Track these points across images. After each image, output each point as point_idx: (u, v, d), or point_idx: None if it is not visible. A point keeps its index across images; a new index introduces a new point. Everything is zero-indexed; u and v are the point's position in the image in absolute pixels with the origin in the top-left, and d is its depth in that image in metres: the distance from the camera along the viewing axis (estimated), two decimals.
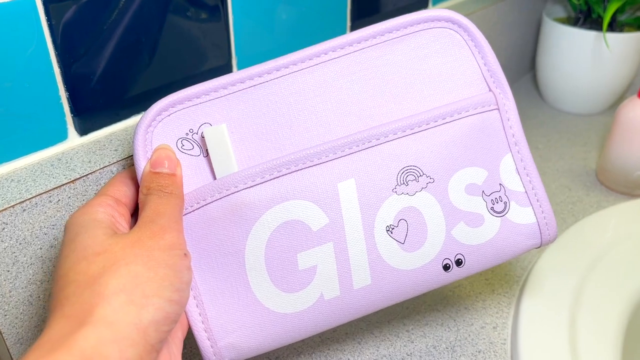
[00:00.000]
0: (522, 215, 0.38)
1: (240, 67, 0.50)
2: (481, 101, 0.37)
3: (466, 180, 0.37)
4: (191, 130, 0.36)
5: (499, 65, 0.38)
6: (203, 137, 0.36)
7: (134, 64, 0.42)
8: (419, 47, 0.37)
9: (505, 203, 0.38)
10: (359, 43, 0.36)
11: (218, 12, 0.46)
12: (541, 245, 0.39)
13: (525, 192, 0.38)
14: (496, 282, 0.50)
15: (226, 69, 0.49)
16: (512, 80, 0.86)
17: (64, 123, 0.40)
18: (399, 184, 0.36)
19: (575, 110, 0.79)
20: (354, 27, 0.59)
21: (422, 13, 0.37)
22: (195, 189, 0.35)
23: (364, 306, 0.37)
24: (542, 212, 0.38)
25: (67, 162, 0.39)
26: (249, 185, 0.35)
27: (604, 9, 0.71)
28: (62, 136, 0.40)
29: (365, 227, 0.36)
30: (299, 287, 0.36)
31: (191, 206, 0.35)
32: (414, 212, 0.36)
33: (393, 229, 0.36)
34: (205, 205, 0.35)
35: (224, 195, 0.35)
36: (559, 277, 0.49)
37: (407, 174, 0.36)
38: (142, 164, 0.35)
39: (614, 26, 0.73)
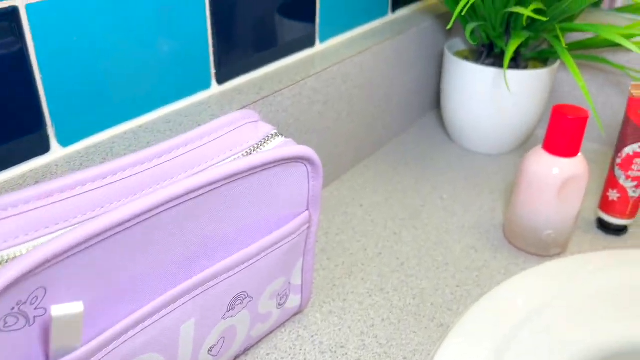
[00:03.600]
0: (294, 301, 0.44)
1: (59, 138, 0.40)
2: (301, 223, 0.40)
3: (272, 289, 0.41)
4: (19, 302, 0.26)
5: (321, 189, 0.40)
6: (43, 314, 0.27)
7: None
8: (273, 178, 0.36)
9: (287, 296, 0.43)
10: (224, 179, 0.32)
11: (18, 64, 0.36)
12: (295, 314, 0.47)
13: (301, 284, 0.44)
14: None
15: (40, 137, 0.38)
16: (416, 118, 0.79)
17: None
18: (228, 310, 0.38)
19: (483, 150, 0.72)
20: (219, 72, 0.50)
21: (288, 150, 0.36)
22: None
23: None
24: (304, 297, 0.45)
25: None
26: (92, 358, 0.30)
27: (507, 44, 0.65)
28: None
29: (193, 355, 0.37)
30: None
31: None
32: (232, 329, 0.39)
33: (213, 347, 0.38)
34: None
35: None
36: None
37: (236, 299, 0.38)
38: None
39: (518, 61, 0.67)
